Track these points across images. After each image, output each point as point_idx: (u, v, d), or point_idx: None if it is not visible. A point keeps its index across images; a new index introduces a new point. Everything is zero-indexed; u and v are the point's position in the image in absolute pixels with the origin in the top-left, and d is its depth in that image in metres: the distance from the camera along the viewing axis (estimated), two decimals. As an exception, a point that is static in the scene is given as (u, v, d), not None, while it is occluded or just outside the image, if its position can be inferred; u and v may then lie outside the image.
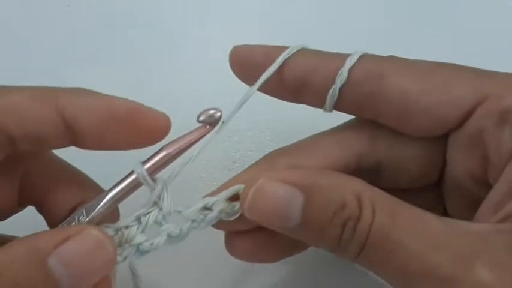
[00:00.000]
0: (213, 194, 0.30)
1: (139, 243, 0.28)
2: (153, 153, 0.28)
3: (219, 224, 0.30)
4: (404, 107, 0.30)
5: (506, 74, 0.30)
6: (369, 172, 0.31)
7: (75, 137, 0.28)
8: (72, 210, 0.31)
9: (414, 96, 0.29)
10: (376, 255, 0.26)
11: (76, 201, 0.31)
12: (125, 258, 0.28)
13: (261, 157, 0.32)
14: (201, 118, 0.28)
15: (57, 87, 0.28)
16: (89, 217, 0.28)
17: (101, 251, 0.26)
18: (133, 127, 0.28)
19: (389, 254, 0.25)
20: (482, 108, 0.29)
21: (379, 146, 0.31)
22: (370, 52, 0.31)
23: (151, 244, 0.28)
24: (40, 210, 0.33)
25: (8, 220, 0.31)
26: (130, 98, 0.42)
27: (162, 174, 0.29)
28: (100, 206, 0.28)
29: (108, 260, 0.26)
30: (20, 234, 0.27)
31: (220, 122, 0.29)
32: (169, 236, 0.29)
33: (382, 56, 0.31)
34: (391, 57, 0.31)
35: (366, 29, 0.47)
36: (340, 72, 0.30)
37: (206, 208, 0.29)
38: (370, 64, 0.30)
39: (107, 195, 0.28)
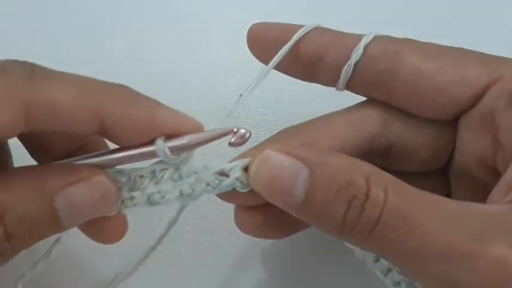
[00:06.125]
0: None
1: (151, 194, 0.28)
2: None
3: (229, 196, 0.30)
4: (417, 85, 0.30)
5: None
6: (380, 154, 0.32)
7: (106, 135, 0.28)
8: (66, 156, 0.30)
9: (428, 74, 0.30)
10: (389, 236, 0.25)
11: (72, 148, 0.31)
12: (135, 205, 0.28)
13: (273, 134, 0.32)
14: (232, 140, 0.28)
15: (104, 84, 0.27)
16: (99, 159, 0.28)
17: (105, 199, 0.28)
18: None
19: (405, 234, 0.24)
20: (494, 89, 0.29)
21: (391, 128, 0.32)
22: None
23: (163, 197, 0.28)
24: (30, 142, 0.32)
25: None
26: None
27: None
28: (108, 158, 0.28)
29: (110, 207, 0.28)
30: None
31: (239, 96, 0.30)
32: (181, 193, 0.28)
33: (396, 37, 0.31)
34: (405, 38, 0.31)
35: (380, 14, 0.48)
36: (356, 48, 0.30)
37: (222, 173, 0.29)
38: (385, 42, 0.31)
39: (120, 152, 0.28)
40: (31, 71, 0.26)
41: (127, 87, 0.28)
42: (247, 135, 0.28)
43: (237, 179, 0.28)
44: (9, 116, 0.25)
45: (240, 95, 0.30)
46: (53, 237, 0.31)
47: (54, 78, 0.26)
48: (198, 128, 0.28)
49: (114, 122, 0.27)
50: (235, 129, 0.28)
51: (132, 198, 0.29)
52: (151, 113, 0.27)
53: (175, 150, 0.27)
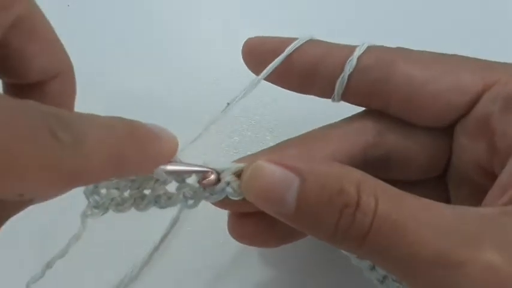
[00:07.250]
0: None
1: (158, 195, 0.29)
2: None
3: (223, 203, 0.30)
4: (412, 93, 0.30)
5: None
6: (377, 164, 0.32)
7: None
8: (43, 84, 0.28)
9: (422, 82, 0.30)
10: (381, 244, 0.25)
11: (51, 73, 0.29)
12: (147, 205, 0.29)
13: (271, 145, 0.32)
14: (202, 181, 0.29)
15: (123, 136, 0.24)
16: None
17: None
18: None
19: (397, 241, 0.24)
20: (489, 94, 0.29)
21: (387, 137, 0.32)
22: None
23: (169, 198, 0.29)
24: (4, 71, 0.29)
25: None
26: (132, 97, 0.44)
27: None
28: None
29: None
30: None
31: (226, 104, 0.31)
32: (184, 195, 0.29)
33: (390, 47, 0.32)
34: (398, 47, 0.32)
35: (372, 24, 0.47)
36: (349, 59, 0.30)
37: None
38: (378, 52, 0.31)
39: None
40: (75, 135, 0.22)
41: (136, 126, 0.25)
42: (213, 177, 0.29)
43: (228, 184, 0.28)
44: (51, 190, 0.22)
45: (228, 104, 0.31)
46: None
47: (91, 143, 0.22)
48: (176, 145, 0.27)
49: (126, 173, 0.26)
50: (211, 172, 0.29)
51: (143, 196, 0.29)
52: (156, 158, 0.26)
53: (168, 174, 0.28)
